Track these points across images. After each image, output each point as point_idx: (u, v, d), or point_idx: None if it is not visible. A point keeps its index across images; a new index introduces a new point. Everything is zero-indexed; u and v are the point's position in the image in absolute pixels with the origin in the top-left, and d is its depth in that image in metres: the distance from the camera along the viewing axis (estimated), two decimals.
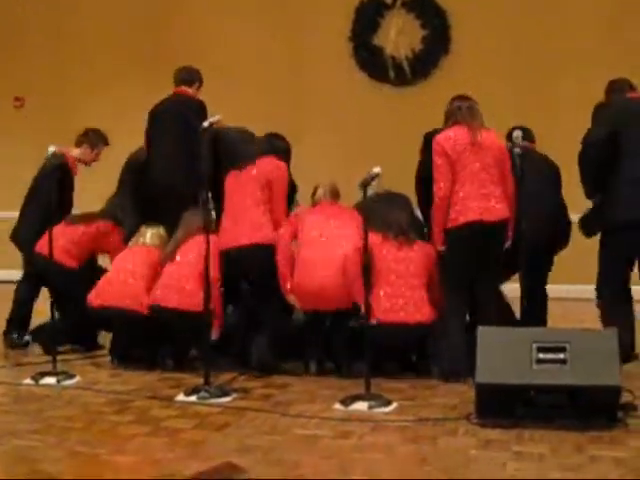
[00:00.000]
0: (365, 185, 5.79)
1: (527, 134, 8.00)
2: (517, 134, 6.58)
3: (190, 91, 8.19)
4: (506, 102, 11.02)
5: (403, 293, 6.55)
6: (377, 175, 5.79)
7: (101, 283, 7.20)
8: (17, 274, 8.17)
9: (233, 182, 6.99)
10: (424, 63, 11.64)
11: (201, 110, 7.84)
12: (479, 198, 6.49)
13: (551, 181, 7.59)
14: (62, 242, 7.37)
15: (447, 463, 4.52)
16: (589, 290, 7.27)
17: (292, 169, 10.91)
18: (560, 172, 7.66)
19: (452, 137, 6.67)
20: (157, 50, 12.59)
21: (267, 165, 7.00)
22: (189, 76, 8.28)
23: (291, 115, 11.93)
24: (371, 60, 11.87)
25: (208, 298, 6.21)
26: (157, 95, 12.30)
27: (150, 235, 7.46)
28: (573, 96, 10.95)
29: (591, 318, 7.35)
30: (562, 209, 7.56)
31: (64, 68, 13.06)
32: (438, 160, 6.62)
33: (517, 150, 6.48)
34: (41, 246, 7.34)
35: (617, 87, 7.47)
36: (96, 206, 8.27)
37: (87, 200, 10.74)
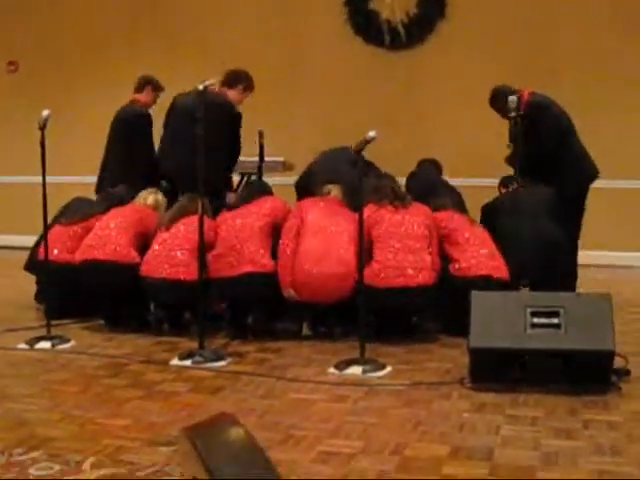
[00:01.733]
0: (360, 150, 5.76)
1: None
2: (512, 99, 6.57)
3: (229, 92, 7.99)
4: (503, 66, 10.98)
5: (404, 257, 6.54)
6: (372, 139, 5.76)
7: (88, 237, 7.20)
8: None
9: None
10: (420, 27, 11.54)
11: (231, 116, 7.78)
12: None
13: None
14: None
15: (441, 426, 4.53)
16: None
17: (288, 135, 10.94)
18: None
19: None
20: (154, 14, 12.51)
21: None
22: (232, 78, 8.09)
23: (287, 80, 11.89)
24: (366, 25, 11.78)
25: (202, 266, 6.24)
26: (153, 61, 12.36)
27: (146, 196, 7.48)
28: (573, 56, 10.92)
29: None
30: None
31: (59, 31, 12.97)
32: None
33: (512, 114, 6.47)
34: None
35: None
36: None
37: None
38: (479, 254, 6.69)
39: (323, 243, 6.70)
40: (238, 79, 8.07)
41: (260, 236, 6.82)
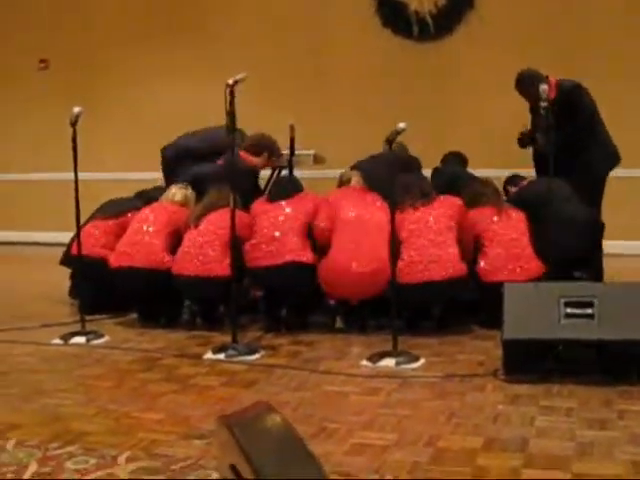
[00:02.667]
0: (391, 141, 5.76)
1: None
2: (543, 87, 6.53)
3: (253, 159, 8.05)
4: (532, 57, 10.91)
5: (427, 251, 6.53)
6: (402, 130, 5.76)
7: (121, 242, 7.24)
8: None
9: None
10: (448, 18, 11.52)
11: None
12: None
13: None
14: None
15: (475, 418, 4.52)
16: None
17: (318, 128, 10.94)
18: None
19: None
20: (184, 10, 12.53)
21: None
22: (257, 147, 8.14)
23: (315, 73, 11.89)
24: (395, 16, 11.76)
25: (235, 261, 6.26)
26: (183, 57, 12.39)
27: (174, 193, 7.51)
28: (604, 50, 10.84)
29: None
30: None
31: (89, 29, 13.04)
32: None
33: (544, 104, 6.43)
34: None
35: None
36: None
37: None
38: (498, 257, 6.67)
39: (355, 239, 6.71)
40: (263, 147, 8.15)
41: (302, 231, 6.85)
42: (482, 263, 6.70)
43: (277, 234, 6.78)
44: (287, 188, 7.26)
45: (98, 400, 4.99)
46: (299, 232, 6.84)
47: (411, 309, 6.68)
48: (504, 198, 7.62)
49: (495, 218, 6.87)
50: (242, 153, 7.84)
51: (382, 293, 6.43)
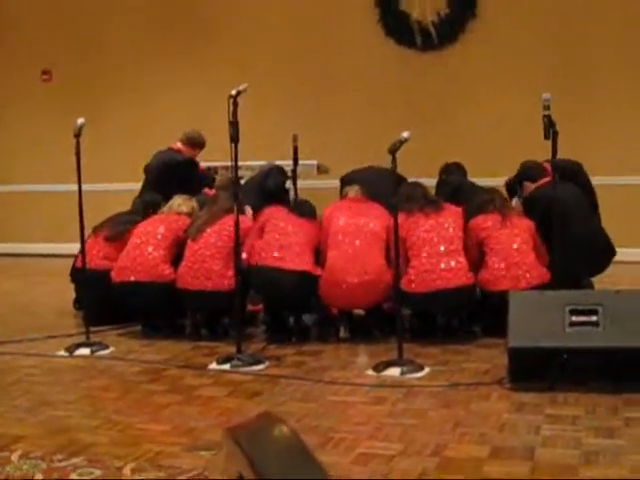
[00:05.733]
0: (394, 150, 5.76)
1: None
2: (546, 96, 6.52)
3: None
4: (535, 66, 10.95)
5: (438, 259, 6.54)
6: (406, 140, 5.76)
7: (122, 258, 7.24)
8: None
9: None
10: (451, 27, 11.52)
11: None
12: None
13: None
14: None
15: (481, 427, 4.51)
16: None
17: (321, 138, 10.96)
18: None
19: None
20: (186, 24, 12.55)
21: None
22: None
23: (320, 84, 11.90)
24: (397, 26, 11.77)
25: (238, 275, 6.25)
26: (186, 69, 12.41)
27: (179, 204, 7.51)
28: (608, 59, 10.85)
29: None
30: None
31: (92, 41, 13.06)
32: None
33: (547, 112, 6.42)
34: None
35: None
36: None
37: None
38: (498, 266, 6.66)
39: (349, 250, 6.72)
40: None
41: (311, 247, 6.90)
42: (484, 272, 6.69)
43: (284, 242, 6.80)
44: (306, 210, 7.23)
45: (103, 411, 4.99)
46: (307, 246, 6.86)
47: (420, 318, 6.68)
48: (515, 202, 7.59)
49: (498, 226, 6.85)
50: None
51: (386, 300, 6.44)
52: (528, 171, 7.84)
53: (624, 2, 10.80)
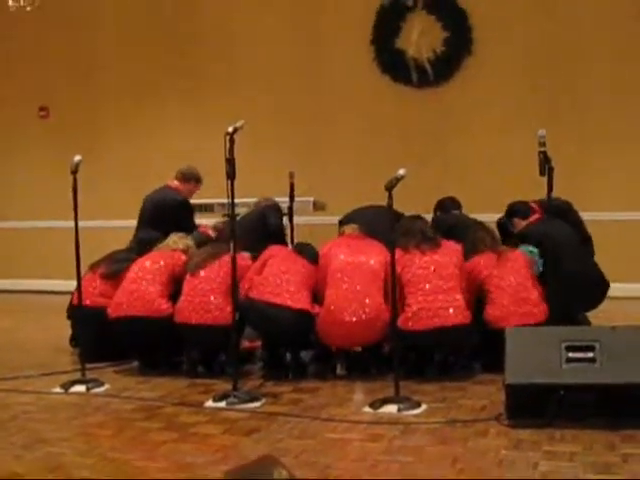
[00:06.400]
0: (390, 187, 5.77)
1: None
2: (541, 132, 6.56)
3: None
4: (530, 103, 10.99)
5: (435, 297, 6.54)
6: (402, 177, 5.78)
7: (118, 293, 7.25)
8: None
9: None
10: (446, 65, 11.57)
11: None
12: None
13: None
14: None
15: (479, 464, 4.50)
16: None
17: (318, 175, 11.00)
18: None
19: None
20: (182, 60, 12.60)
21: None
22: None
23: (314, 120, 11.94)
24: (393, 63, 11.83)
25: (235, 310, 6.25)
26: (182, 105, 12.46)
27: (175, 241, 7.53)
28: (602, 95, 10.90)
29: None
30: None
31: (89, 78, 13.11)
32: None
33: (543, 148, 6.46)
34: None
35: None
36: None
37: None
38: (508, 302, 6.66)
39: (348, 288, 6.71)
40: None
41: (309, 285, 6.91)
42: (491, 310, 6.68)
43: (281, 281, 6.80)
44: (306, 251, 7.24)
45: (98, 449, 4.97)
46: (302, 284, 6.87)
47: (417, 355, 6.67)
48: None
49: (496, 263, 6.86)
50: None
51: (386, 338, 6.44)
52: (517, 208, 7.87)
53: (616, 40, 10.86)
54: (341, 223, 7.94)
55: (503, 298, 6.67)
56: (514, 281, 6.73)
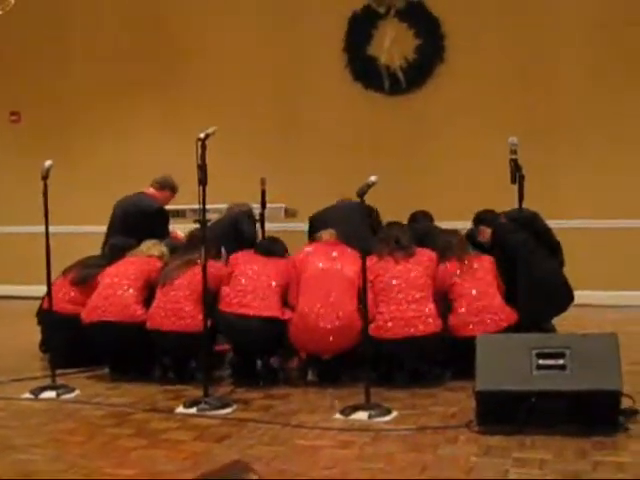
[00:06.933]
0: (362, 194, 5.79)
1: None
2: (512, 140, 6.59)
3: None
4: (502, 111, 11.04)
5: (407, 307, 6.56)
6: (373, 184, 5.80)
7: (93, 298, 7.22)
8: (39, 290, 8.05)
9: None
10: (419, 72, 11.61)
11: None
12: None
13: None
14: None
15: (448, 471, 4.51)
16: None
17: (289, 181, 10.99)
18: None
19: None
20: (154, 67, 12.56)
21: None
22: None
23: (286, 127, 11.94)
24: (365, 70, 11.86)
25: (206, 317, 6.24)
26: (153, 111, 12.43)
27: (148, 247, 7.52)
28: (571, 104, 10.98)
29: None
30: None
31: (60, 82, 13.04)
32: None
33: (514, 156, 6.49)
34: None
35: None
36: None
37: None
38: (466, 311, 6.70)
39: (322, 295, 6.71)
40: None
41: (279, 289, 6.89)
42: (452, 318, 6.71)
43: (250, 288, 6.80)
44: (272, 248, 7.25)
45: (69, 455, 4.95)
46: (277, 290, 6.86)
47: (387, 363, 6.68)
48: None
49: (458, 272, 6.88)
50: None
51: (357, 345, 6.44)
52: (483, 216, 7.89)
53: (588, 48, 10.93)
54: (312, 222, 7.94)
55: (461, 307, 6.72)
56: (474, 289, 6.76)
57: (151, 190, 8.79)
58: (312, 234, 7.76)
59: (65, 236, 10.38)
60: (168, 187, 8.87)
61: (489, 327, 6.50)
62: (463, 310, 6.69)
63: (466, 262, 6.95)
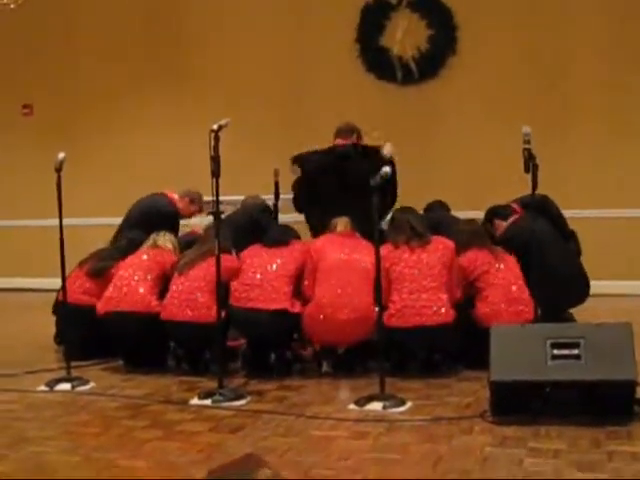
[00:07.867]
0: (375, 185, 5.77)
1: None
2: (526, 129, 6.55)
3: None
4: (514, 101, 11.02)
5: (419, 296, 6.55)
6: (387, 175, 5.78)
7: (109, 289, 7.24)
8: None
9: None
10: (431, 63, 11.60)
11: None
12: None
13: None
14: None
15: (463, 461, 4.50)
16: None
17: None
18: None
19: None
20: (165, 61, 12.57)
21: None
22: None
23: (300, 118, 11.93)
24: (378, 61, 11.84)
25: (220, 307, 6.24)
26: (166, 103, 12.44)
27: (160, 239, 7.52)
28: (585, 93, 10.94)
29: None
30: None
31: (73, 75, 13.07)
32: None
33: (527, 145, 6.45)
34: None
35: None
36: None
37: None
38: (499, 300, 6.68)
39: (339, 286, 6.71)
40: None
41: (289, 279, 6.87)
42: (483, 306, 6.69)
43: (262, 281, 6.79)
44: (282, 237, 7.23)
45: (83, 447, 4.95)
46: (285, 280, 6.85)
47: (404, 352, 6.67)
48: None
49: (493, 262, 6.86)
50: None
51: (370, 337, 6.43)
52: (497, 210, 7.88)
53: (599, 39, 10.90)
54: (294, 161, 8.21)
55: (495, 296, 6.69)
56: (507, 279, 6.74)
57: (175, 195, 8.86)
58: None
59: (75, 228, 10.39)
60: (189, 196, 8.95)
61: (519, 318, 6.46)
62: (496, 299, 6.67)
63: (496, 252, 6.93)
